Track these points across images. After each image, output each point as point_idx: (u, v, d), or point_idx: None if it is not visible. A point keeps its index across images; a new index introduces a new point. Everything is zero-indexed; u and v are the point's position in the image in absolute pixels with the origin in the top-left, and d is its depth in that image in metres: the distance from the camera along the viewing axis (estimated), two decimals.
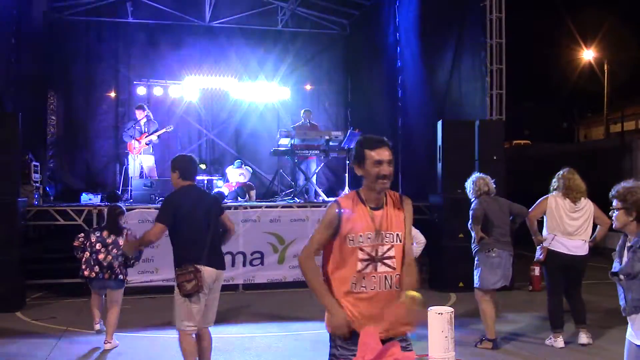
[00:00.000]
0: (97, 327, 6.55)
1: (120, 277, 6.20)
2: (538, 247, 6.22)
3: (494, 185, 6.25)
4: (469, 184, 6.28)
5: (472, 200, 6.24)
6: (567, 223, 6.04)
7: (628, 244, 3.38)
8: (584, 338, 6.15)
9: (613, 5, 35.43)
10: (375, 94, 13.06)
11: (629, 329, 3.36)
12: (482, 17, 9.59)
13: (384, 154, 2.95)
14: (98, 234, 6.25)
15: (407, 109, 11.65)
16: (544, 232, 6.21)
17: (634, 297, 3.29)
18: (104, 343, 6.19)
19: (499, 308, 6.15)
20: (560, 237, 6.06)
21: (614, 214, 3.41)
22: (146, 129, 10.85)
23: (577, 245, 6.04)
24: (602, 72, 27.27)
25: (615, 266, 3.44)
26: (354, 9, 13.62)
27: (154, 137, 10.81)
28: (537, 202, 6.25)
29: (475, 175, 6.33)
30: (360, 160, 2.98)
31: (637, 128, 30.22)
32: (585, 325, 6.20)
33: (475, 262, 6.16)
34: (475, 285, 6.15)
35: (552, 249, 6.07)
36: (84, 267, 6.21)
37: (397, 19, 11.85)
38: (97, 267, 6.13)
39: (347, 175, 11.22)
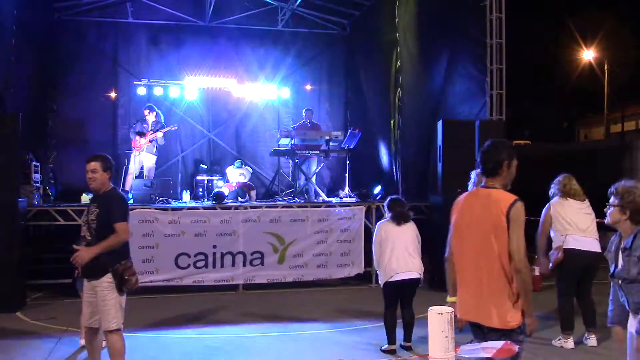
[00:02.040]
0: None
1: None
2: (552, 252, 6.13)
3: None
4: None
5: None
6: (579, 219, 6.02)
7: (622, 246, 3.37)
8: (593, 340, 6.13)
9: (613, 6, 35.44)
10: (375, 94, 13.05)
11: (631, 320, 3.37)
12: (482, 17, 9.58)
13: None
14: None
15: (407, 109, 11.64)
16: (554, 236, 6.14)
17: (635, 300, 3.28)
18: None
19: None
20: (574, 234, 5.99)
21: (609, 210, 3.43)
22: (152, 128, 11.00)
23: (591, 242, 6.02)
24: (602, 72, 27.28)
25: (613, 269, 3.44)
26: (354, 9, 13.60)
27: (159, 134, 10.91)
28: (542, 215, 6.22)
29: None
30: (511, 161, 3.40)
31: (637, 128, 30.21)
32: (595, 328, 6.18)
33: None
34: None
35: (569, 247, 5.99)
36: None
37: (397, 19, 11.83)
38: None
39: (347, 175, 11.23)
